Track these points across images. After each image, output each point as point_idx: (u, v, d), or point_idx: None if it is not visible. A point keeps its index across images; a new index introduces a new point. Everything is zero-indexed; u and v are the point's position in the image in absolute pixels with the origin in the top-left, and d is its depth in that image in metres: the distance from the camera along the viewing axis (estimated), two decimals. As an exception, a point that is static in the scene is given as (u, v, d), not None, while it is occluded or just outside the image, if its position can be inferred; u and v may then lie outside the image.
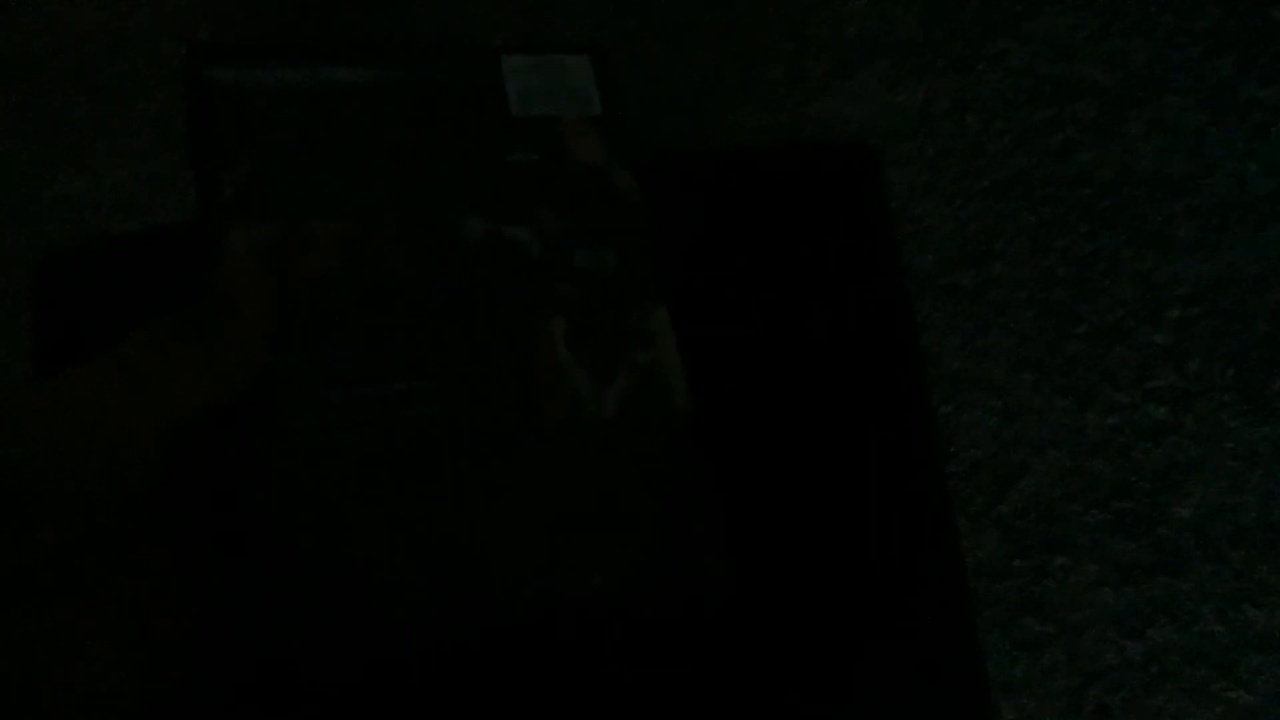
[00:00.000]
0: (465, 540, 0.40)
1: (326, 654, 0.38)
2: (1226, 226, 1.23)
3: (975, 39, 1.32)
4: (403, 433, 0.41)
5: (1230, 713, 1.07)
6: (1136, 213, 1.24)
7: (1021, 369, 1.20)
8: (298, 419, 0.40)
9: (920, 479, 0.72)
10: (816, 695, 0.65)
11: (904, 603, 0.68)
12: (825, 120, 1.31)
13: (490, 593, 0.40)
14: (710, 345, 0.70)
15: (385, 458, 0.40)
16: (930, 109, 1.30)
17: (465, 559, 0.40)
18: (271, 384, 0.40)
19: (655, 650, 0.62)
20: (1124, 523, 1.14)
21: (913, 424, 0.73)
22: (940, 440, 1.11)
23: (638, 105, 1.35)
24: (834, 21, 1.34)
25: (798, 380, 0.71)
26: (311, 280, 0.41)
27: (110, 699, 0.34)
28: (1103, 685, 1.09)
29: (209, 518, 0.38)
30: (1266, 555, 1.11)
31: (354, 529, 0.39)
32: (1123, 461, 1.16)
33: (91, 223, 1.39)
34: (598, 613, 0.43)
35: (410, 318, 0.42)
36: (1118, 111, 1.28)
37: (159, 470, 0.35)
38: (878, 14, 1.34)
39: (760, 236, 0.74)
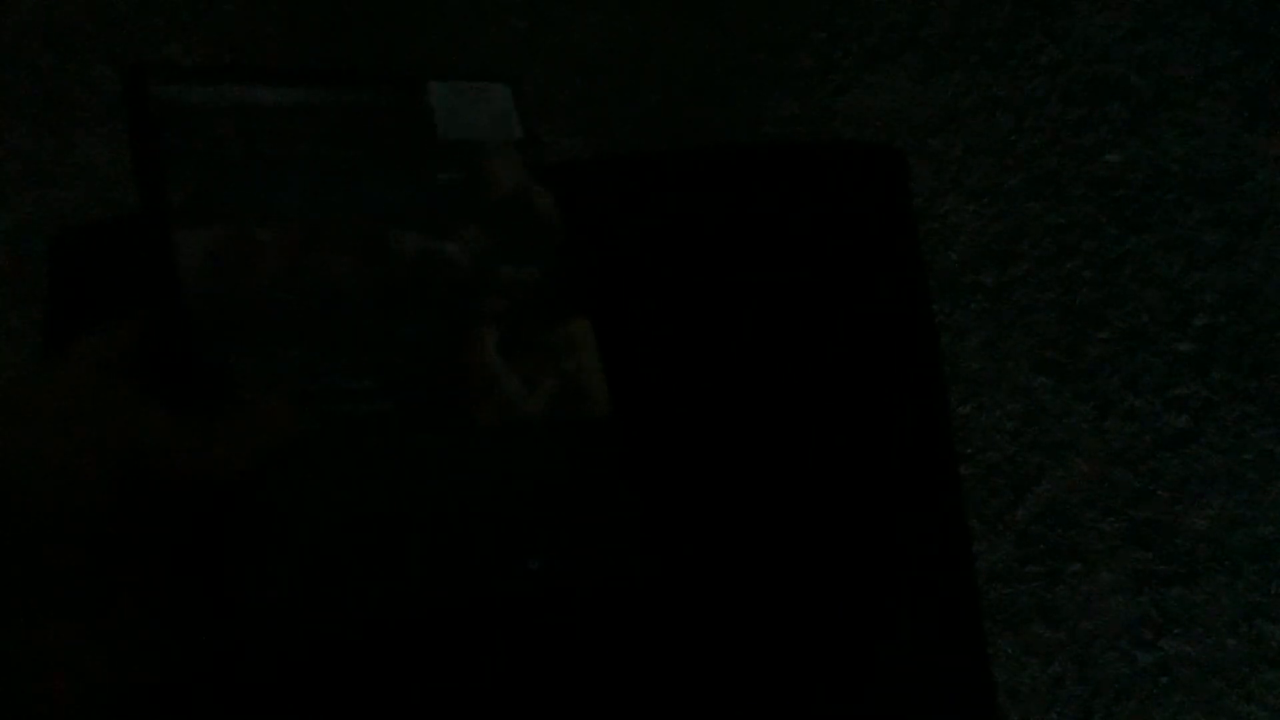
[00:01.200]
0: (408, 527, 0.43)
1: (274, 635, 0.40)
2: (1258, 234, 1.21)
3: (1009, 35, 1.31)
4: (349, 428, 0.43)
5: (1240, 727, 1.07)
6: (1166, 217, 1.23)
7: (1042, 372, 1.19)
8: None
9: (934, 480, 0.71)
10: (823, 696, 0.64)
11: (913, 605, 0.68)
12: (854, 112, 1.30)
13: (431, 577, 0.42)
14: (728, 337, 0.69)
15: (333, 451, 0.42)
16: (960, 104, 1.29)
17: (408, 545, 0.42)
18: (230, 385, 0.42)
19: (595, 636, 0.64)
20: (1140, 531, 1.13)
21: (928, 424, 0.72)
22: (955, 442, 1.11)
23: (667, 91, 1.34)
24: (866, 12, 1.33)
25: (813, 375, 0.70)
26: (258, 284, 0.43)
27: (87, 700, 0.34)
28: (1112, 694, 1.08)
29: (168, 512, 0.38)
30: (1284, 570, 1.10)
31: (302, 520, 0.41)
32: (1142, 469, 1.15)
33: (112, 193, 1.39)
34: (536, 594, 0.46)
35: (352, 323, 0.45)
36: (1151, 114, 1.27)
37: (117, 488, 0.35)
38: (910, 6, 1.33)
39: (782, 230, 0.73)
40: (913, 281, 0.74)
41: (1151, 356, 1.18)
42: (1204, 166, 1.25)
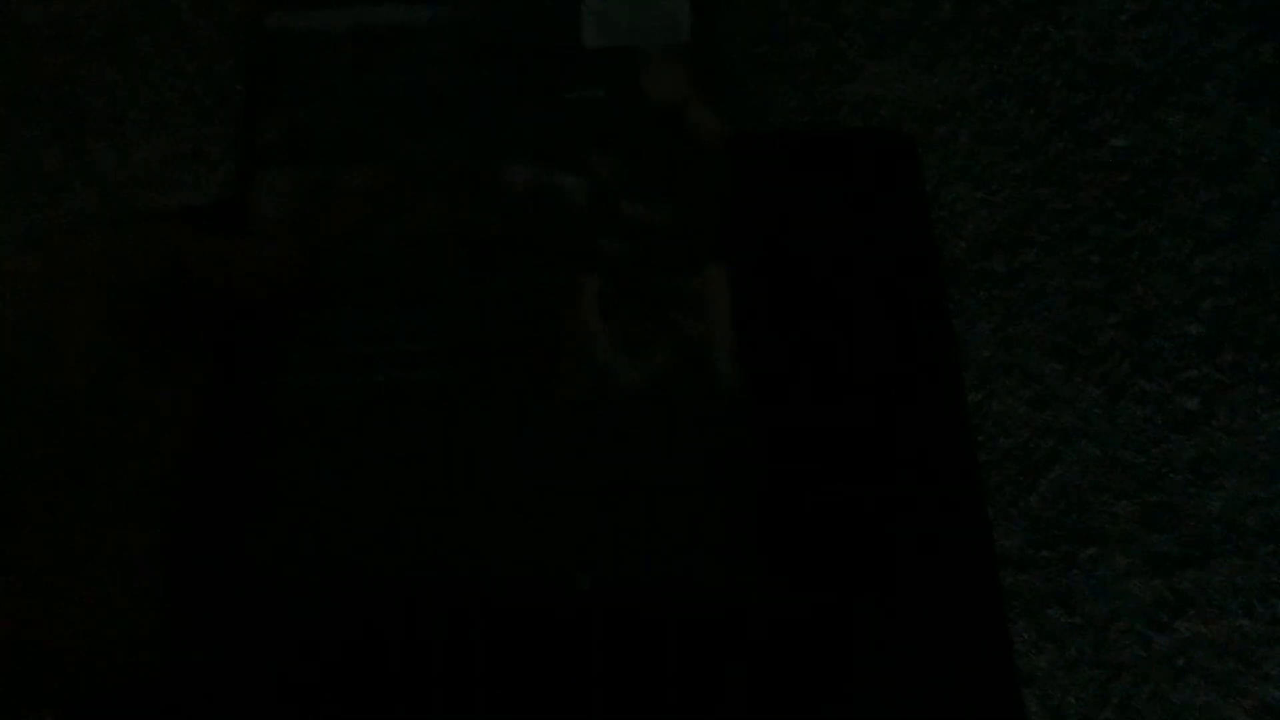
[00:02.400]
0: (447, 514, 0.38)
1: (307, 599, 0.38)
2: (1264, 215, 1.21)
3: (1012, 21, 1.31)
4: (406, 397, 0.39)
5: (1257, 707, 1.07)
6: (1173, 201, 1.23)
7: (1053, 357, 1.19)
8: (300, 376, 0.39)
9: (951, 467, 0.71)
10: (840, 683, 0.64)
11: (931, 592, 0.68)
12: (860, 102, 1.30)
13: (465, 573, 0.38)
14: (741, 328, 0.69)
15: (386, 421, 0.39)
16: (965, 92, 1.29)
17: (445, 534, 0.38)
18: (280, 336, 0.39)
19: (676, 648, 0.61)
20: (1154, 515, 1.13)
21: (944, 412, 0.72)
22: (971, 429, 1.11)
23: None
24: (870, 1, 1.33)
25: (827, 365, 0.70)
26: (334, 233, 0.40)
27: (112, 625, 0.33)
28: (1129, 677, 1.08)
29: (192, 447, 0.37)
30: (1298, 550, 1.10)
31: (345, 487, 0.38)
32: (1154, 452, 1.15)
33: (121, 197, 1.39)
34: (586, 611, 0.41)
35: (434, 276, 0.40)
36: (1156, 97, 1.27)
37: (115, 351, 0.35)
38: (913, -5, 1.33)
39: (792, 221, 0.73)
40: (926, 269, 0.74)
41: (1161, 340, 1.18)
42: (1209, 149, 1.24)
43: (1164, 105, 1.26)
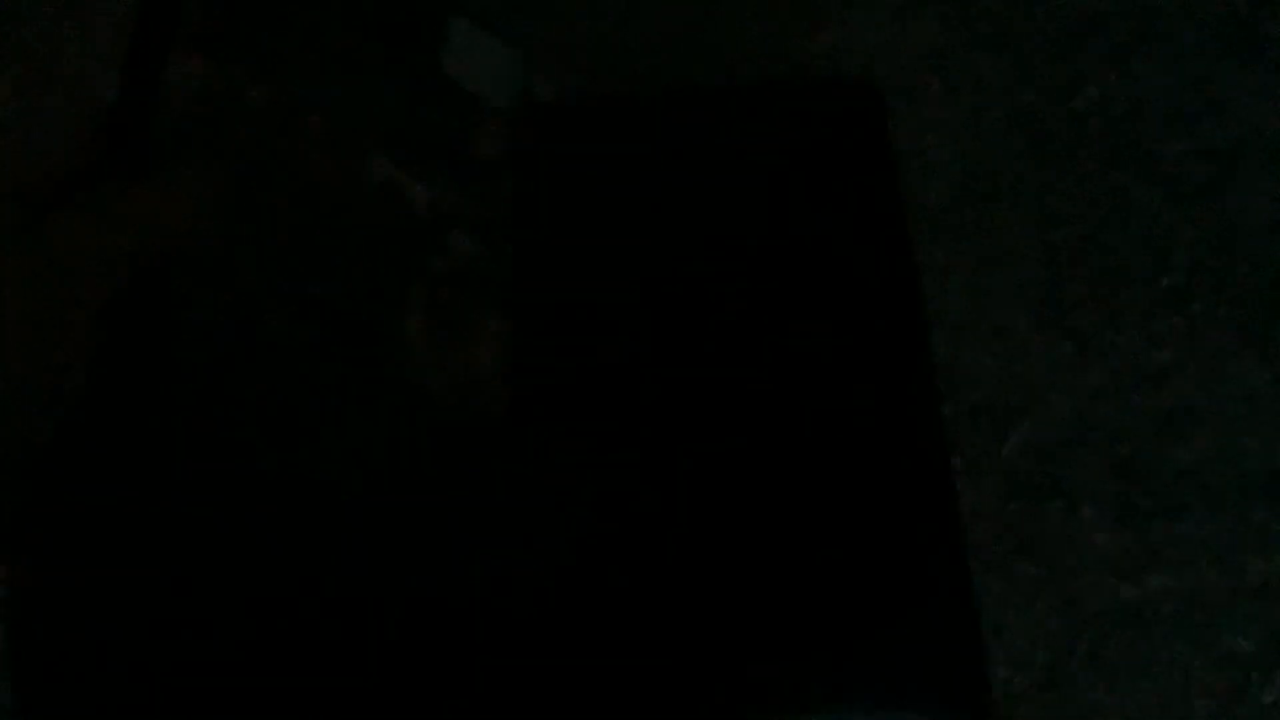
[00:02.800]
0: (267, 478, 0.41)
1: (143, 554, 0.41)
2: (1237, 167, 1.21)
3: (986, -30, 1.29)
4: (246, 352, 0.40)
5: (1225, 659, 1.08)
6: (1146, 152, 1.22)
7: (1023, 311, 1.18)
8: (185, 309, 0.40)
9: (918, 421, 0.71)
10: (808, 638, 0.64)
11: (895, 546, 0.68)
12: (831, 52, 1.29)
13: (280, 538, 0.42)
14: (706, 281, 0.69)
15: (227, 374, 0.40)
16: (939, 42, 1.28)
17: (270, 499, 0.41)
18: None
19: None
20: (1123, 467, 1.13)
21: (911, 366, 0.72)
22: (938, 382, 1.10)
23: (641, 35, 1.32)
24: (841, -50, 1.31)
25: (794, 318, 0.70)
26: (236, 138, 0.40)
27: None
28: (1097, 629, 1.09)
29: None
30: (1266, 502, 1.11)
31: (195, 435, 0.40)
32: (1124, 406, 1.15)
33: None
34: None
35: (310, 229, 0.41)
36: (1129, 48, 1.26)
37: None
38: (886, -58, 1.31)
39: (762, 172, 0.72)
40: (894, 221, 0.73)
41: (1132, 293, 1.18)
42: (1182, 99, 1.24)
43: (1137, 55, 1.25)
